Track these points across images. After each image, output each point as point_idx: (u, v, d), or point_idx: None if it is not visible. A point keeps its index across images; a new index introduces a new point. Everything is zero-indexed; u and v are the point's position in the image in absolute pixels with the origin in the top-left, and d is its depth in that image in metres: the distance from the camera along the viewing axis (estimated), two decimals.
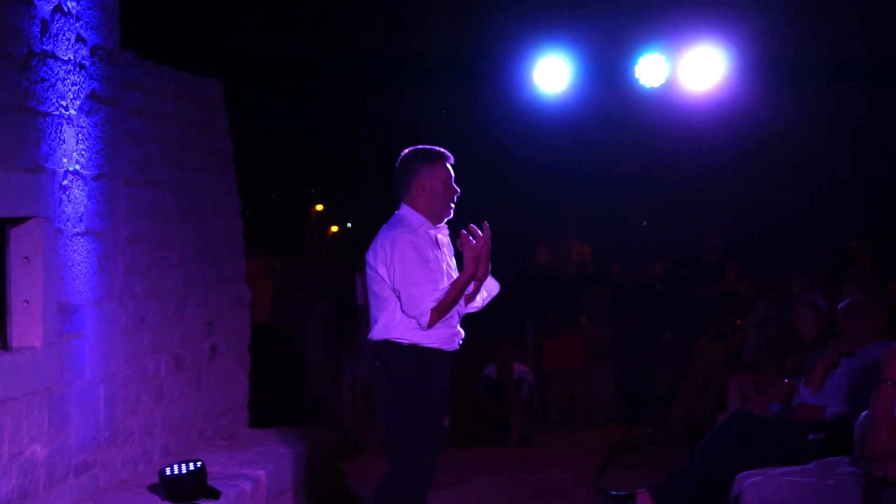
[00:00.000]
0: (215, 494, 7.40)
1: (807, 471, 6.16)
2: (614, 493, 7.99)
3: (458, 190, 6.53)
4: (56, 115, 6.78)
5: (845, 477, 5.95)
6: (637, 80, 11.72)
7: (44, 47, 6.66)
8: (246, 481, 7.98)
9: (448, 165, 6.52)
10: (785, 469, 6.20)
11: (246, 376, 10.02)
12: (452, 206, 6.55)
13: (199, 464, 7.35)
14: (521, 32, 11.69)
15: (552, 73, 11.70)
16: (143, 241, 8.06)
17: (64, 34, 6.91)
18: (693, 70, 11.77)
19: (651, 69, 11.65)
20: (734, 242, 14.16)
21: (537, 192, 15.45)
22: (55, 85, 6.78)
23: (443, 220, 6.55)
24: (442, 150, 6.58)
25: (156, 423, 8.27)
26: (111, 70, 7.57)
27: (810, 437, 7.32)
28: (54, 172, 6.74)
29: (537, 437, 12.92)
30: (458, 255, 6.51)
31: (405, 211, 6.53)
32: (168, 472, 7.26)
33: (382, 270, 6.37)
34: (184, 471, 7.28)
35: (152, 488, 7.42)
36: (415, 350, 6.36)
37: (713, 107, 12.44)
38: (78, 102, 7.08)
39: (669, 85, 11.79)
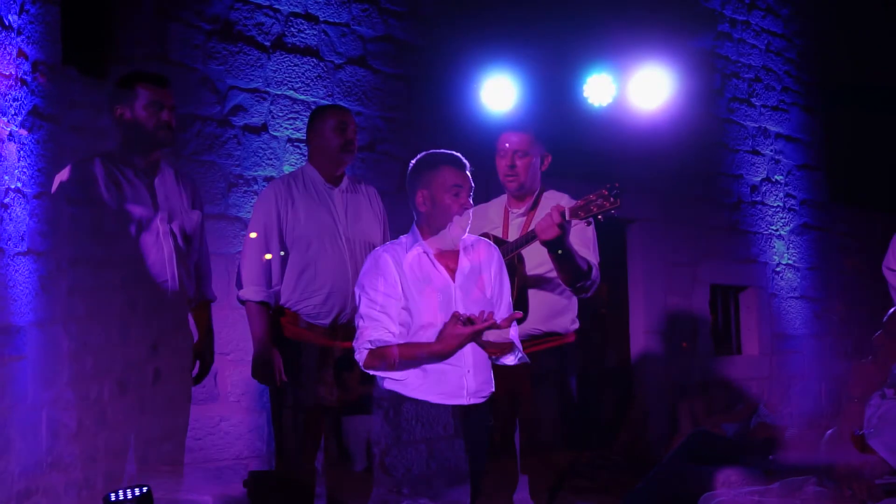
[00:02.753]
0: None
1: (772, 490, 6.10)
2: None
3: (468, 203, 5.68)
4: None
5: (812, 496, 5.88)
6: (585, 99, 11.69)
7: None
8: None
9: (453, 171, 5.67)
10: (751, 488, 6.14)
11: (188, 402, 9.83)
12: (459, 218, 5.68)
13: (144, 489, 7.12)
14: (467, 51, 11.60)
15: (499, 93, 11.62)
16: (85, 261, 7.89)
17: (6, 48, 6.75)
18: (641, 90, 11.78)
19: (599, 89, 11.63)
20: None
21: None
22: None
23: (453, 239, 5.75)
24: (446, 152, 5.75)
25: (98, 449, 8.08)
26: (53, 86, 7.41)
27: (771, 457, 7.28)
28: None
29: None
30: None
31: (412, 229, 5.81)
32: (113, 497, 7.03)
33: None
34: (129, 496, 7.05)
35: None
36: (394, 397, 5.81)
37: (661, 126, 12.44)
38: (20, 119, 6.91)
39: (617, 104, 11.78)
